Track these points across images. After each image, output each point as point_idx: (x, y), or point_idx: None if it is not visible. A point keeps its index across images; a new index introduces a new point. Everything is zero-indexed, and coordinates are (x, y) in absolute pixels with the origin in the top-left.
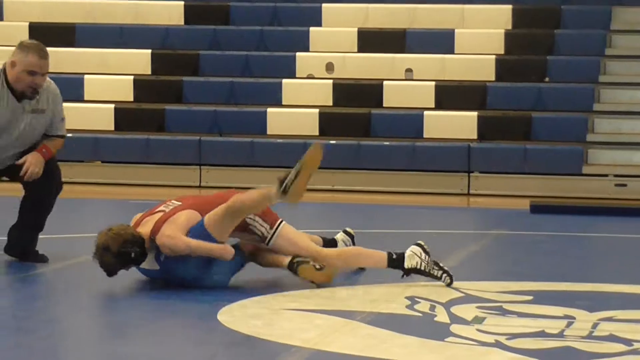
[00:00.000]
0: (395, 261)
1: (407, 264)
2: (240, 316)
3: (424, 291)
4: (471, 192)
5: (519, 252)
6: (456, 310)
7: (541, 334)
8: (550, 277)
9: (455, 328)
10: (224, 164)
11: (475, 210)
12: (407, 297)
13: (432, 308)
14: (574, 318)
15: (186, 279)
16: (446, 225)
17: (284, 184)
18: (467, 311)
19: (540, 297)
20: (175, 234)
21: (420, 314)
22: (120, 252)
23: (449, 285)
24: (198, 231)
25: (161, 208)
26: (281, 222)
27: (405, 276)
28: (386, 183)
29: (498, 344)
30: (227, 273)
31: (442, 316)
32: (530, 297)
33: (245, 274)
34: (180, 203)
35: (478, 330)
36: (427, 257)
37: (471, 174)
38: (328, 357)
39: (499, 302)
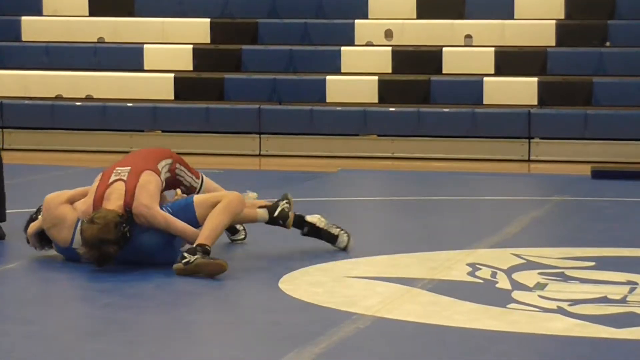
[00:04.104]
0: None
1: (309, 219)
2: (302, 284)
3: (485, 258)
4: (532, 158)
5: (580, 218)
6: (518, 276)
7: (603, 300)
8: (612, 243)
9: (517, 294)
10: (283, 132)
11: (536, 177)
12: (468, 264)
13: (494, 275)
14: (637, 284)
15: (148, 249)
16: (507, 191)
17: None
18: (529, 277)
19: (603, 263)
20: (152, 204)
21: (481, 281)
22: (118, 237)
23: (345, 248)
24: (182, 206)
25: (114, 178)
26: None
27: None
28: (446, 150)
29: (560, 310)
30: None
31: (503, 283)
32: (592, 263)
33: (305, 242)
34: (129, 167)
35: (540, 296)
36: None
37: (532, 140)
38: (390, 324)
39: (561, 268)
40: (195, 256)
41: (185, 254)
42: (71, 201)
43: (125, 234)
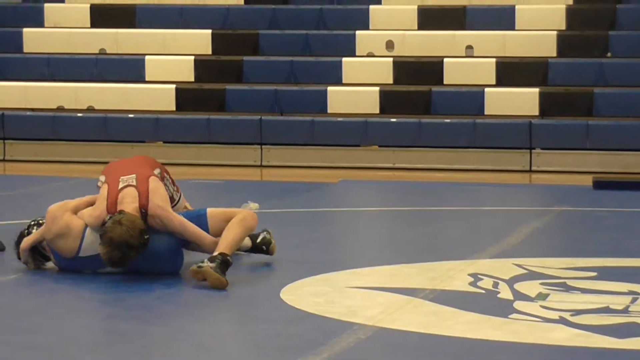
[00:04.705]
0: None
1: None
2: (303, 294)
3: (487, 268)
4: (533, 169)
5: (582, 228)
6: (520, 286)
7: (605, 310)
8: (614, 253)
9: (518, 305)
10: (284, 142)
11: (538, 187)
12: (470, 274)
13: (496, 285)
14: (639, 294)
15: (156, 254)
16: (508, 202)
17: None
18: (530, 288)
19: (604, 273)
20: (166, 206)
21: (483, 291)
22: (141, 244)
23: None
24: (195, 216)
25: (123, 184)
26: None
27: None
28: (447, 160)
29: (562, 320)
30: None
31: (505, 293)
32: (594, 273)
33: (306, 252)
34: (134, 175)
35: (542, 306)
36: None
37: (533, 151)
38: (391, 335)
39: (562, 278)
40: (212, 264)
41: (205, 260)
42: (75, 211)
43: (146, 242)
